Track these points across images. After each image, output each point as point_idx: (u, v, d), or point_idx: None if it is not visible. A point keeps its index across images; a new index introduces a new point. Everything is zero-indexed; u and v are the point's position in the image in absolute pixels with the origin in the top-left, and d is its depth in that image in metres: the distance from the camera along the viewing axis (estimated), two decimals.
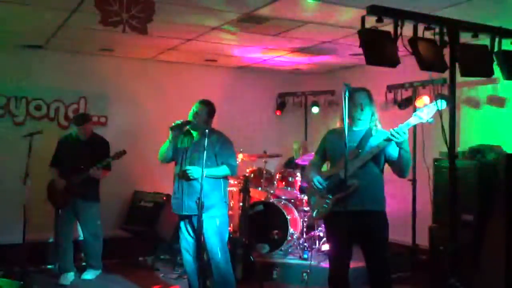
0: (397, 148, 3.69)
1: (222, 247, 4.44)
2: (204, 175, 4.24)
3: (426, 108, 3.56)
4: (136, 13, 4.02)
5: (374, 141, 3.78)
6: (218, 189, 4.46)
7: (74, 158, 5.55)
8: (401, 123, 3.69)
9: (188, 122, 4.49)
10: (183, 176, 4.36)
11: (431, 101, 5.78)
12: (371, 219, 3.78)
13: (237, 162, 4.63)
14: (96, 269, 5.75)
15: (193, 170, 4.31)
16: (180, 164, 4.47)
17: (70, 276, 5.54)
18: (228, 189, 4.97)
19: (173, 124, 4.48)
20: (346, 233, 3.76)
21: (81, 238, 5.84)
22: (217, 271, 4.41)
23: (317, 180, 3.92)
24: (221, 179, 4.50)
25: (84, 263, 5.84)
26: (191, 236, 4.49)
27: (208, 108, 4.55)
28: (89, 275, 5.69)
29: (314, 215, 4.15)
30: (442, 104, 3.42)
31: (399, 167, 3.77)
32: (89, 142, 5.66)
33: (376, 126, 3.88)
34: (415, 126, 5.93)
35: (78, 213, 5.60)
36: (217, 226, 4.40)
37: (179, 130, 4.49)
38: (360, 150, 3.78)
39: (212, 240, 4.39)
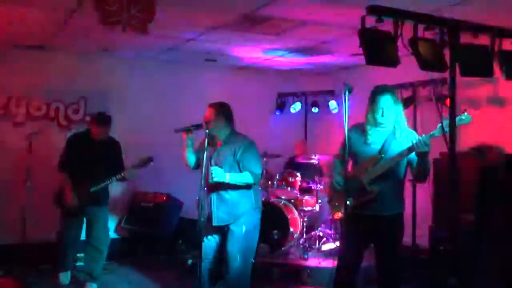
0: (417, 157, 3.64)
1: (243, 254, 4.25)
2: (228, 180, 4.10)
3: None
4: (136, 13, 4.01)
5: (397, 145, 3.73)
6: (248, 196, 4.29)
7: (92, 161, 5.17)
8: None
9: (197, 126, 4.30)
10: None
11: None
12: (389, 222, 3.78)
13: (260, 171, 4.31)
14: (97, 281, 5.34)
15: (215, 172, 4.09)
16: (205, 174, 4.25)
17: (69, 275, 5.43)
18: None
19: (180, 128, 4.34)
20: (361, 235, 3.81)
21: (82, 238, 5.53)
22: (233, 277, 4.27)
23: (336, 181, 3.94)
24: (251, 187, 4.29)
25: (86, 272, 5.40)
26: (217, 244, 4.39)
27: (218, 109, 4.34)
28: None
29: (333, 216, 4.15)
30: (466, 118, 3.41)
31: (417, 175, 3.76)
32: (106, 145, 5.27)
33: (401, 127, 3.81)
34: (415, 125, 5.97)
35: (90, 219, 5.28)
36: (242, 233, 4.24)
37: (187, 132, 4.35)
38: (382, 155, 3.74)
39: (233, 245, 4.25)
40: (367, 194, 3.73)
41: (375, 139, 3.80)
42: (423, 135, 3.54)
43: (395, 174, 3.76)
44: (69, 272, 5.47)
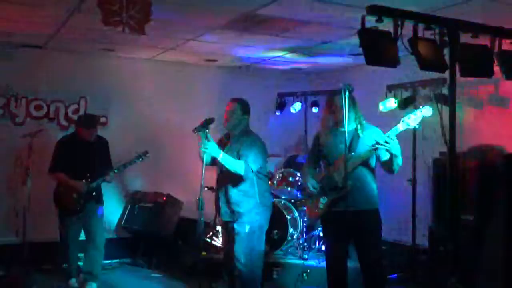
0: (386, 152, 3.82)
1: (247, 253, 4.26)
2: (220, 158, 4.10)
3: (413, 115, 3.71)
4: (134, 13, 4.02)
5: (363, 142, 3.91)
6: (251, 196, 4.30)
7: (86, 161, 5.31)
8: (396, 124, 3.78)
9: (210, 120, 4.23)
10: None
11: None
12: (365, 218, 3.93)
13: (256, 168, 4.25)
14: (97, 280, 5.42)
15: (210, 145, 4.06)
16: (220, 171, 4.33)
17: (75, 282, 5.43)
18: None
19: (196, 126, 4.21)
20: (341, 232, 3.93)
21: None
22: (240, 277, 4.30)
23: (311, 184, 4.09)
24: (255, 186, 4.30)
25: (86, 271, 5.46)
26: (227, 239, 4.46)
27: (238, 105, 4.39)
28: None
29: (309, 215, 4.27)
30: (428, 111, 3.51)
31: (387, 167, 3.94)
32: (96, 144, 5.45)
33: (361, 125, 4.00)
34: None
35: (89, 217, 5.34)
36: (245, 232, 4.26)
37: (202, 129, 4.20)
38: (352, 153, 3.88)
39: (237, 246, 4.27)
40: (341, 190, 3.85)
41: (341, 139, 3.87)
42: (388, 131, 3.73)
43: (365, 169, 3.94)
44: (74, 279, 5.46)
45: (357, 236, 3.95)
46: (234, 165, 4.17)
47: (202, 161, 4.20)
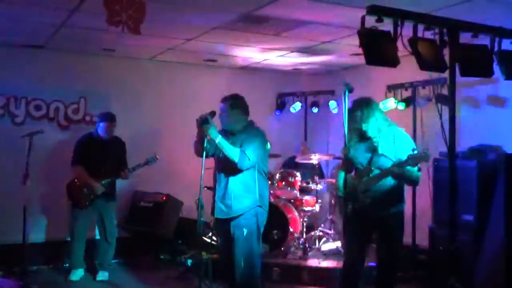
0: None
1: (247, 258, 4.18)
2: (218, 140, 4.05)
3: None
4: (132, 13, 4.02)
5: (384, 157, 3.93)
6: (252, 192, 4.20)
7: (103, 158, 5.59)
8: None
9: (212, 113, 4.13)
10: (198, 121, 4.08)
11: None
12: (387, 220, 3.96)
13: (254, 160, 4.14)
14: (107, 270, 5.76)
15: (211, 129, 4.02)
16: (216, 169, 4.31)
17: (79, 272, 5.62)
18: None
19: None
20: (362, 234, 4.01)
21: (96, 237, 5.90)
22: (239, 283, 4.22)
23: (340, 190, 4.12)
24: (256, 181, 4.23)
25: (98, 263, 5.76)
26: (222, 240, 4.38)
27: (231, 103, 4.29)
28: (105, 276, 5.68)
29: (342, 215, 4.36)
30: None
31: (405, 182, 4.03)
32: (113, 142, 5.71)
33: (380, 132, 3.97)
34: (415, 125, 5.97)
35: (101, 212, 5.64)
36: (243, 236, 4.17)
37: (204, 123, 4.08)
38: (373, 168, 3.92)
39: (236, 250, 4.19)
40: (362, 201, 3.92)
41: (366, 147, 3.96)
42: (401, 162, 3.77)
43: (387, 180, 3.93)
44: (78, 270, 5.61)
45: (378, 233, 4.02)
46: (230, 149, 4.08)
47: (200, 155, 4.13)
